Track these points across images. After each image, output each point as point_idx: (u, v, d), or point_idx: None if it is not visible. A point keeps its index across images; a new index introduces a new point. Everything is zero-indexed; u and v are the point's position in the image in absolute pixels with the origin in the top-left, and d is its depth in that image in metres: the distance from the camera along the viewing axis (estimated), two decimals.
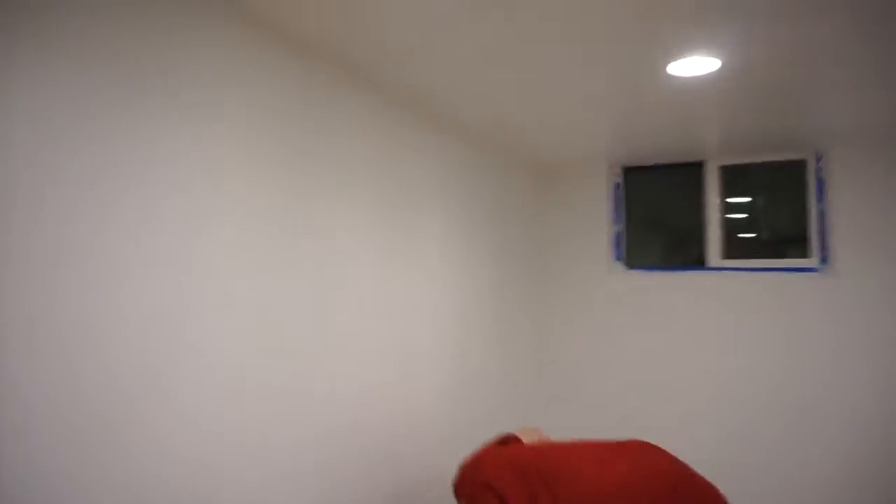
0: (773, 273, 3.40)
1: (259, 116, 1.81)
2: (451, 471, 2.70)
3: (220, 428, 1.64)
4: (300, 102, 1.97)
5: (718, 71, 2.17)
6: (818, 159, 3.31)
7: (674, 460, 1.68)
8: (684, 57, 2.06)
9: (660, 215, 4.04)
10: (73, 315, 1.32)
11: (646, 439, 2.09)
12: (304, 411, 1.93)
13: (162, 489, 1.49)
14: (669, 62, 2.11)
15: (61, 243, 1.30)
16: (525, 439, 1.89)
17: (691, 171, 3.65)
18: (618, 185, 3.81)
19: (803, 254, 3.37)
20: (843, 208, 3.24)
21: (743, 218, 3.75)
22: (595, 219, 3.85)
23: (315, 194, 2.03)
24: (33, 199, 1.25)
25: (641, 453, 1.70)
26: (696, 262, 3.63)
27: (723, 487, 3.29)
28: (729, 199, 3.64)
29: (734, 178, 3.61)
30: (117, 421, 1.39)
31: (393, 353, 2.40)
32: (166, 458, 1.50)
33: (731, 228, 3.62)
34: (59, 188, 1.30)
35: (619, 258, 3.78)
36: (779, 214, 3.76)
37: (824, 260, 3.28)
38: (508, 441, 1.94)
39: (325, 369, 2.04)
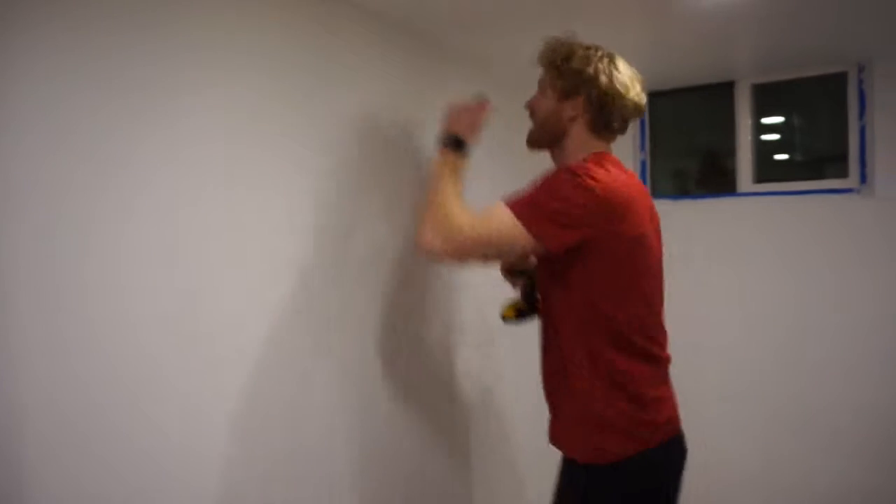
0: (808, 196, 3.23)
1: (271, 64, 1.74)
2: None
3: None
4: (312, 45, 1.88)
5: None
6: (860, 70, 3.07)
7: None
8: None
9: (687, 141, 3.85)
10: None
11: (672, 370, 2.04)
12: None
13: None
14: None
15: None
16: None
17: (720, 93, 3.43)
18: None
19: (841, 174, 3.19)
20: (886, 124, 3.03)
21: (776, 140, 3.55)
22: (618, 148, 3.66)
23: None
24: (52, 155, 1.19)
25: None
26: (727, 188, 3.46)
27: (762, 412, 3.27)
28: (762, 120, 3.43)
29: (767, 97, 3.39)
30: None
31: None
32: None
33: (763, 151, 3.43)
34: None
35: None
36: (816, 134, 3.56)
37: (864, 180, 3.10)
38: None
39: None
